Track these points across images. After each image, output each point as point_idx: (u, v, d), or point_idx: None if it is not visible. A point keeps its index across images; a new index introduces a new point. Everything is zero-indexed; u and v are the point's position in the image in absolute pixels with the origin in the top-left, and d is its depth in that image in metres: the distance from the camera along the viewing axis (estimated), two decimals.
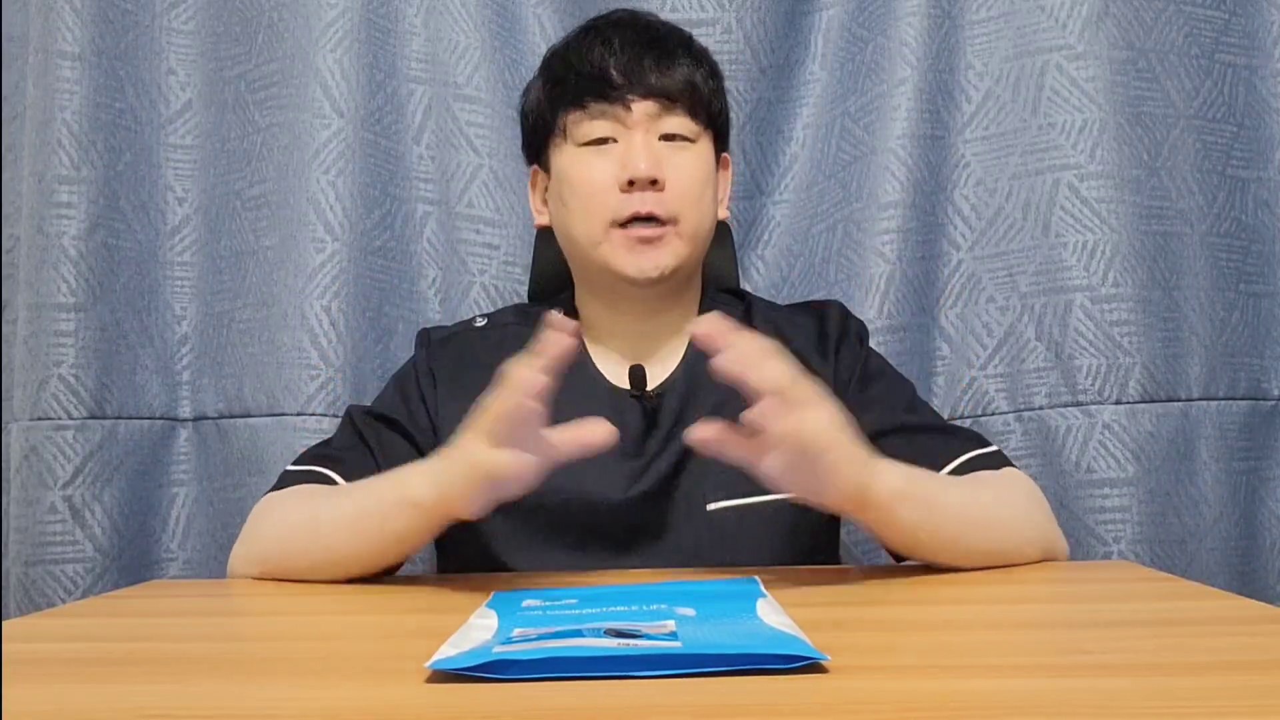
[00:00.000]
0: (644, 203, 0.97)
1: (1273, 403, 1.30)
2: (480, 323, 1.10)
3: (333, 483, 0.97)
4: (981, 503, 0.88)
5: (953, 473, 0.94)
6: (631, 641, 0.55)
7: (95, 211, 1.29)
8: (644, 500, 0.97)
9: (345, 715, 0.48)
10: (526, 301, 1.26)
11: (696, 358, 1.03)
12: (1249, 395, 1.29)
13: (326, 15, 1.29)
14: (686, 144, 1.00)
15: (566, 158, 1.01)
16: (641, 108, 0.98)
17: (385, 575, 0.91)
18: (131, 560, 1.30)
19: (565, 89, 1.00)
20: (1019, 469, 0.98)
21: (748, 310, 1.09)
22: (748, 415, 0.75)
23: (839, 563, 1.07)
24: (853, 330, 1.06)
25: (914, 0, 1.30)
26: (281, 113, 1.32)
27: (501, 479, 0.78)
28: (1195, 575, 1.19)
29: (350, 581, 0.89)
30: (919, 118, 1.29)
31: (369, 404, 1.08)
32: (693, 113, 1.00)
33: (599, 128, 0.99)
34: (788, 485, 0.78)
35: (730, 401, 1.00)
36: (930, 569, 0.85)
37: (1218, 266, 1.29)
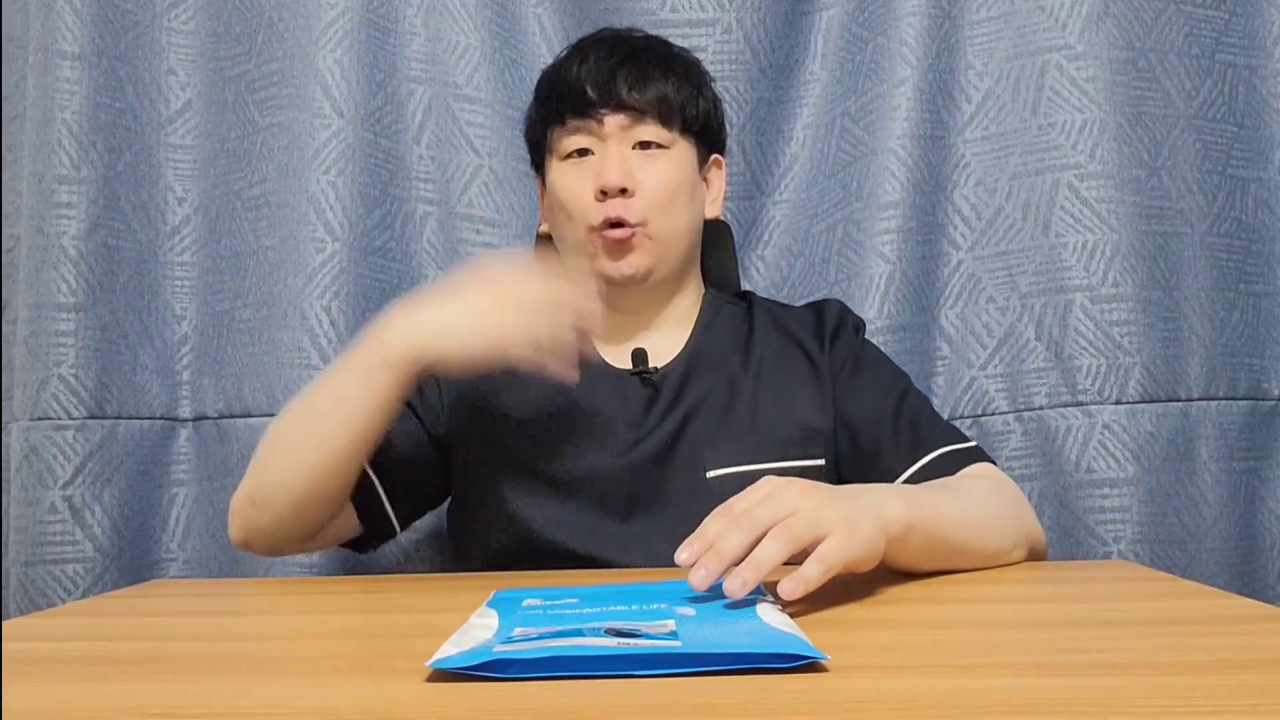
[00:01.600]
0: (614, 209, 1.03)
1: (1273, 403, 1.30)
2: None
3: None
4: (973, 512, 0.89)
5: (925, 466, 0.99)
6: (632, 641, 0.55)
7: (95, 211, 1.29)
8: (644, 468, 1.02)
9: (345, 715, 0.48)
10: None
11: (698, 349, 1.09)
12: (1249, 395, 1.29)
13: (326, 15, 1.29)
14: (660, 151, 1.06)
15: (554, 172, 1.08)
16: (613, 120, 1.05)
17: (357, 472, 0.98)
18: (131, 560, 1.30)
19: (549, 108, 1.08)
20: (994, 463, 1.02)
21: (749, 308, 1.14)
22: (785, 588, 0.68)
23: None
24: (849, 322, 1.12)
25: (914, 0, 1.30)
26: (281, 113, 1.32)
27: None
28: (1195, 575, 1.19)
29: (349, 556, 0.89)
30: (919, 118, 1.29)
31: None
32: (664, 121, 1.06)
33: (577, 141, 1.06)
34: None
35: (723, 388, 1.06)
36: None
37: (1218, 266, 1.29)
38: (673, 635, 0.56)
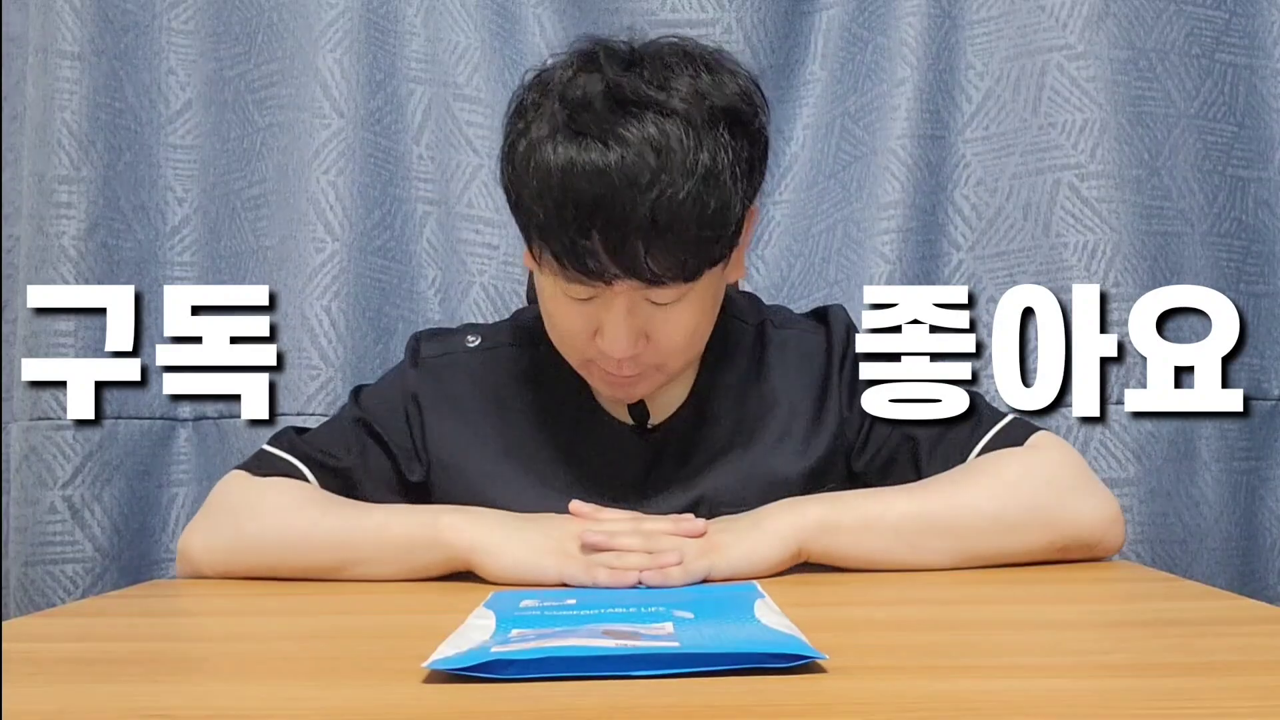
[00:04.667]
0: (620, 367, 0.89)
1: (1273, 403, 1.30)
2: (473, 342, 1.02)
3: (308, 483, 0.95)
4: (952, 502, 0.86)
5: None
6: (629, 642, 0.54)
7: (95, 211, 1.29)
8: None
9: (345, 715, 0.48)
10: (525, 304, 1.27)
11: (704, 392, 0.98)
12: (1249, 395, 1.28)
13: (326, 15, 1.29)
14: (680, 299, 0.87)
15: (546, 281, 0.88)
16: (626, 284, 0.84)
17: None
18: (131, 560, 1.30)
19: (547, 235, 0.83)
20: (1047, 431, 0.96)
21: (760, 337, 1.01)
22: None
23: None
24: (854, 338, 1.01)
25: (914, 0, 1.30)
26: (281, 113, 1.32)
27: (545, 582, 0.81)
28: (1196, 575, 1.19)
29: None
30: (919, 118, 1.29)
31: (370, 388, 1.05)
32: (688, 281, 0.85)
33: (576, 291, 0.86)
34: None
35: (738, 438, 0.97)
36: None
37: (1218, 266, 1.29)
38: (670, 637, 0.56)
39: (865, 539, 0.84)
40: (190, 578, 0.93)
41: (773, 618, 0.61)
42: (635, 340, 0.86)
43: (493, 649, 0.53)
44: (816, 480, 0.95)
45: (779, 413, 0.97)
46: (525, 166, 0.84)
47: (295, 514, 0.91)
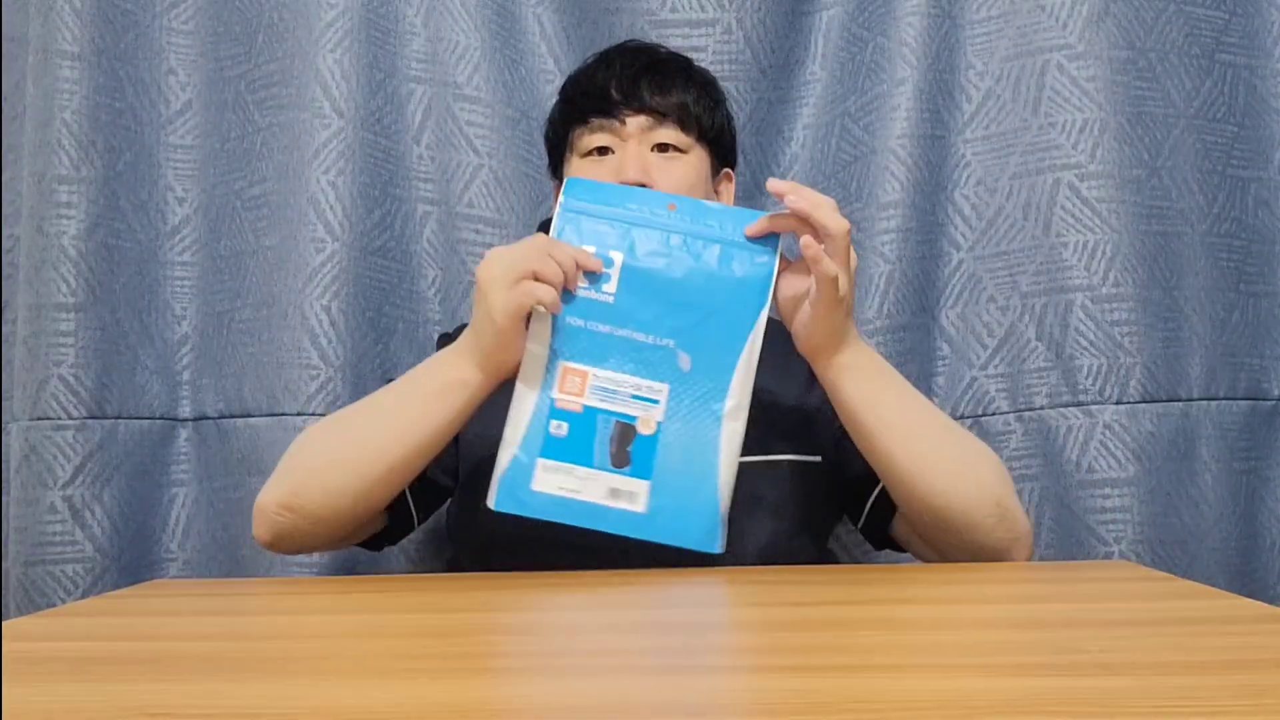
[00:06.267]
0: None
1: (1273, 403, 1.30)
2: None
3: None
4: (938, 426, 0.97)
5: None
6: (617, 503, 0.85)
7: (95, 211, 1.29)
8: None
9: (345, 715, 0.48)
10: None
11: None
12: (1249, 395, 1.29)
13: (326, 15, 1.29)
14: (678, 154, 1.10)
15: (572, 168, 1.12)
16: (635, 121, 1.09)
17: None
18: (131, 560, 1.30)
19: (573, 108, 1.13)
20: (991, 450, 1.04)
21: None
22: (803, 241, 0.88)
23: (833, 528, 1.11)
24: None
25: (914, 0, 1.30)
26: (281, 113, 1.32)
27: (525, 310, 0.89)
28: (1195, 575, 1.19)
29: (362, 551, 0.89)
30: (919, 118, 1.29)
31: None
32: (683, 126, 1.10)
33: (598, 139, 1.10)
34: (792, 311, 0.92)
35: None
36: (927, 568, 0.86)
37: (1218, 266, 1.29)
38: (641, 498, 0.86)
39: (874, 397, 0.94)
40: (269, 544, 0.98)
41: (730, 450, 0.87)
42: (645, 169, 1.06)
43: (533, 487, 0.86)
44: (803, 433, 1.05)
45: (769, 369, 1.06)
46: (566, 81, 1.17)
47: (326, 427, 1.01)
